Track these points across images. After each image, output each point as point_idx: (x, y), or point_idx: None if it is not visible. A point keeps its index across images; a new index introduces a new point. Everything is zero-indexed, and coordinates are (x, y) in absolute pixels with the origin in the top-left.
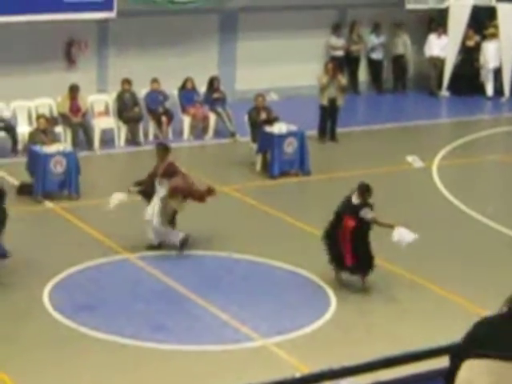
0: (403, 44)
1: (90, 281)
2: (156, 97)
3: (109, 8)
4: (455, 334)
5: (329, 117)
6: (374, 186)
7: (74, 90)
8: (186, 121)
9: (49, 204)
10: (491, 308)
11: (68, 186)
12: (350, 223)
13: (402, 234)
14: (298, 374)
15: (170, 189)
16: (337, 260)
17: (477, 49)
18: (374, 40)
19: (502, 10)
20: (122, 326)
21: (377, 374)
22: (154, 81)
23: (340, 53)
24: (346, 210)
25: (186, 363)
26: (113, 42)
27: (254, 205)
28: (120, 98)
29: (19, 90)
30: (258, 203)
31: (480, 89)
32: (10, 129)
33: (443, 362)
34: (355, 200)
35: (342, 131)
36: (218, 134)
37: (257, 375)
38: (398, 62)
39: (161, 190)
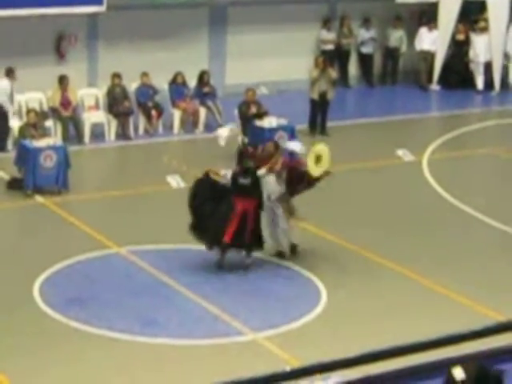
0: (398, 38)
1: (80, 275)
2: (146, 91)
3: (98, 2)
4: (443, 326)
5: (319, 110)
6: (365, 179)
7: (63, 81)
8: (176, 115)
9: (39, 198)
10: (481, 301)
11: (57, 180)
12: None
13: (220, 133)
14: (288, 368)
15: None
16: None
17: (467, 43)
18: (364, 34)
19: (492, 3)
20: (113, 320)
21: (366, 367)
22: (144, 75)
23: (330, 47)
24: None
25: (176, 357)
26: (103, 36)
27: None
28: (110, 92)
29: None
30: None
31: (470, 82)
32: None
33: (432, 355)
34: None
35: (333, 125)
36: (208, 128)
37: (248, 369)
38: (391, 55)
39: (277, 189)
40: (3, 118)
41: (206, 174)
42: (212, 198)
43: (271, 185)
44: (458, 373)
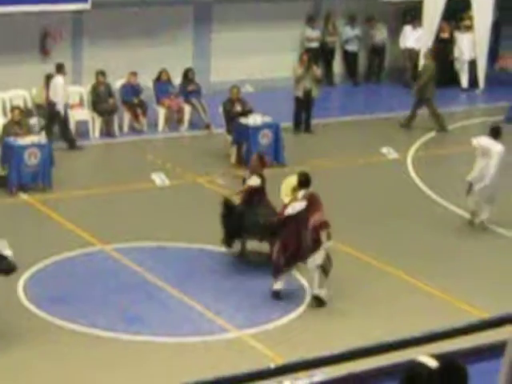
0: (381, 35)
1: (64, 272)
2: (131, 89)
3: None
4: (429, 324)
5: (304, 108)
6: (349, 177)
7: (49, 79)
8: (161, 112)
9: (23, 196)
10: (467, 299)
11: (42, 177)
12: None
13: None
14: (272, 365)
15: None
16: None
17: (451, 41)
18: (348, 32)
19: (477, 1)
20: (97, 317)
21: (351, 364)
22: (132, 74)
23: (315, 44)
24: None
25: (160, 355)
26: (87, 33)
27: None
28: (94, 90)
29: None
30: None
31: (454, 80)
32: None
33: (417, 352)
34: None
35: (317, 123)
36: (192, 125)
37: (232, 366)
38: (376, 53)
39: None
40: None
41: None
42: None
43: None
44: (428, 360)
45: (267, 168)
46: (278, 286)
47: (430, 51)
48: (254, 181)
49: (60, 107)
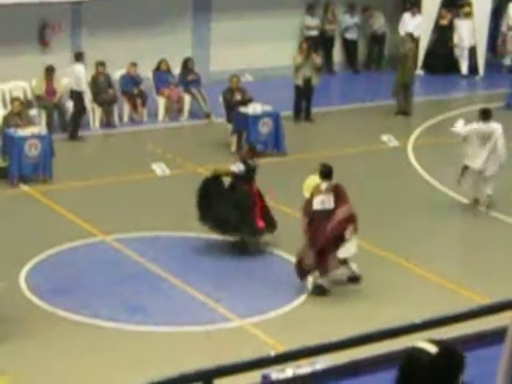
0: (379, 24)
1: (66, 263)
2: (130, 79)
3: None
4: (431, 311)
5: (304, 97)
6: (350, 165)
7: (49, 72)
8: (161, 102)
9: (24, 187)
10: (466, 285)
11: (42, 168)
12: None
13: None
14: (273, 353)
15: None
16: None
17: (450, 27)
18: (348, 20)
19: None
20: (99, 308)
21: (352, 351)
22: (132, 65)
23: (314, 32)
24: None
25: (163, 344)
26: (86, 24)
27: None
28: (94, 81)
29: None
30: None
31: (454, 67)
32: None
33: (418, 338)
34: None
35: (317, 111)
36: (192, 115)
37: (234, 355)
38: (376, 41)
39: None
40: None
41: (214, 174)
42: (219, 194)
43: None
44: (428, 346)
45: (263, 157)
46: (312, 282)
47: (411, 34)
48: (237, 166)
49: (87, 94)
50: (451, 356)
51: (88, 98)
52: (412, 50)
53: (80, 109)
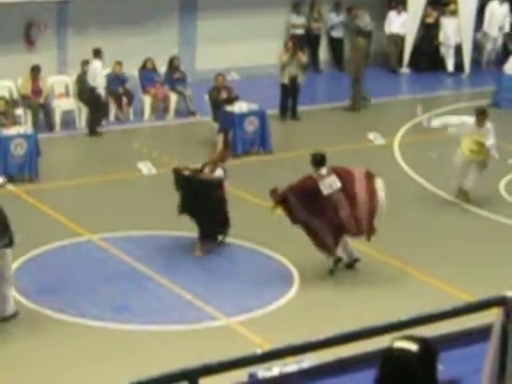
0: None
1: (52, 263)
2: (115, 78)
3: None
4: (418, 309)
5: (290, 95)
6: (336, 163)
7: (35, 71)
8: (147, 101)
9: (10, 187)
10: (451, 282)
11: (28, 168)
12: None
13: None
14: (259, 351)
15: None
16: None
17: (436, 25)
18: (334, 18)
19: None
20: (86, 307)
21: (337, 350)
22: (117, 63)
23: (300, 31)
24: None
25: (149, 343)
26: (72, 22)
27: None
28: (80, 80)
29: None
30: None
31: (440, 65)
32: None
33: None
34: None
35: (304, 109)
36: (178, 113)
37: (221, 354)
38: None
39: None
40: None
41: (177, 171)
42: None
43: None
44: (410, 345)
45: (249, 156)
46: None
47: (360, 31)
48: (219, 173)
49: (101, 91)
50: (430, 351)
51: (102, 92)
52: (362, 48)
53: (95, 105)
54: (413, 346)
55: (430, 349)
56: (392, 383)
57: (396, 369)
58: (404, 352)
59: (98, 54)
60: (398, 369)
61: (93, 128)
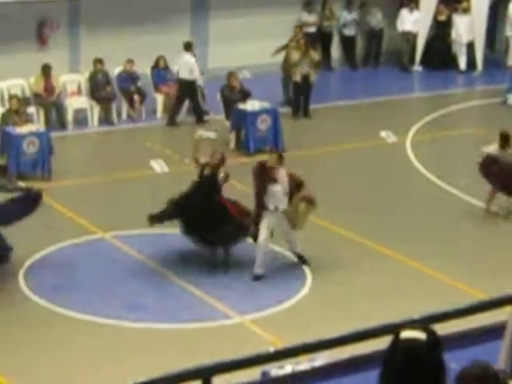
0: (376, 20)
1: (65, 261)
2: (127, 76)
3: None
4: (430, 306)
5: (302, 93)
6: (349, 161)
7: (46, 70)
8: (159, 99)
9: (22, 185)
10: (462, 279)
11: (41, 166)
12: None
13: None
14: (272, 349)
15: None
16: None
17: (448, 23)
18: (346, 16)
19: None
20: (99, 305)
21: (351, 347)
22: (129, 61)
23: (312, 29)
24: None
25: (163, 341)
26: (84, 21)
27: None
28: (92, 78)
29: None
30: (233, 180)
31: (452, 63)
32: None
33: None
34: None
35: (316, 107)
36: (190, 112)
37: (234, 352)
38: (374, 37)
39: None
40: None
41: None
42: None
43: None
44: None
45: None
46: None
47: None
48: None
49: (200, 82)
50: (436, 337)
51: (201, 85)
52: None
53: (183, 96)
54: (421, 335)
55: (434, 333)
56: (403, 374)
57: (407, 358)
58: (413, 341)
59: (188, 47)
60: (409, 358)
61: (172, 119)
